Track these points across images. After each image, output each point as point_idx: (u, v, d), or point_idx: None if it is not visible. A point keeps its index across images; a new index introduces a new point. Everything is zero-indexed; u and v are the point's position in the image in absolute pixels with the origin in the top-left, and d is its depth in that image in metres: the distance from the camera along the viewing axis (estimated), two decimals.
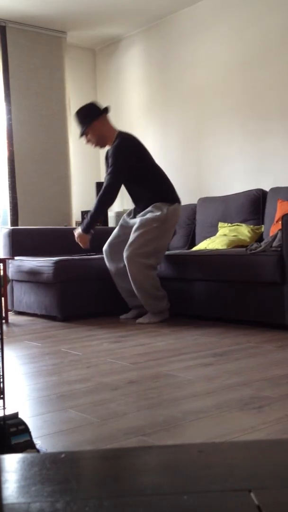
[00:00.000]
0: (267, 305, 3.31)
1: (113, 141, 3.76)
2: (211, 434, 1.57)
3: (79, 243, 3.85)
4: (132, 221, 3.88)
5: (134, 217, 3.90)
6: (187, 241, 4.58)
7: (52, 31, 5.48)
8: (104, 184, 3.70)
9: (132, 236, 3.68)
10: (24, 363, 2.61)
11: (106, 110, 3.77)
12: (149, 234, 3.65)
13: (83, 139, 3.86)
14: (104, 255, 3.97)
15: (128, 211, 4.03)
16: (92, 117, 3.72)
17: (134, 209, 3.95)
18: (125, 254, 3.66)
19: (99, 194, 3.72)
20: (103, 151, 5.97)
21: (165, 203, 3.73)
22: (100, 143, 3.81)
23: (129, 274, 3.69)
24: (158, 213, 3.67)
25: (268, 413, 1.72)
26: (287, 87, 4.26)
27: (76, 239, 3.85)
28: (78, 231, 3.82)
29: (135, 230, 3.68)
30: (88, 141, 3.82)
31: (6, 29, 5.24)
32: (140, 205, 3.85)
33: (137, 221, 3.73)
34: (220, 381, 2.13)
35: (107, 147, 3.85)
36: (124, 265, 3.78)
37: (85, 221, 3.79)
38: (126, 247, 3.67)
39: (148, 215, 3.70)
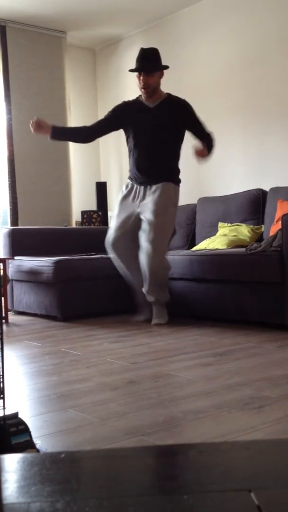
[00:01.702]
0: (267, 305, 3.31)
1: (160, 97, 3.68)
2: (211, 434, 1.57)
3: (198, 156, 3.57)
4: (140, 203, 3.67)
5: (144, 196, 3.66)
6: (187, 241, 4.58)
7: (52, 31, 5.48)
8: (207, 131, 3.66)
9: (153, 226, 3.54)
10: (24, 363, 2.61)
11: (167, 67, 3.75)
12: (168, 222, 3.63)
13: (140, 77, 3.63)
14: (113, 252, 3.76)
15: (124, 193, 3.76)
16: (163, 65, 3.68)
17: (136, 182, 3.70)
18: (151, 245, 3.53)
19: (212, 138, 3.65)
20: (103, 149, 5.97)
21: (175, 184, 3.69)
22: (153, 92, 3.66)
23: (150, 264, 3.55)
24: (171, 195, 3.63)
25: (268, 413, 1.72)
26: (286, 87, 4.26)
27: (197, 154, 3.55)
28: (200, 147, 3.55)
29: (155, 217, 3.55)
30: (148, 81, 3.60)
31: (6, 29, 5.23)
32: (151, 174, 3.64)
33: (150, 205, 3.59)
34: (220, 381, 2.13)
35: (142, 98, 3.72)
36: (135, 259, 3.69)
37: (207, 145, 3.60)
38: (152, 238, 3.53)
39: (162, 199, 3.58)
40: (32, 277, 4.18)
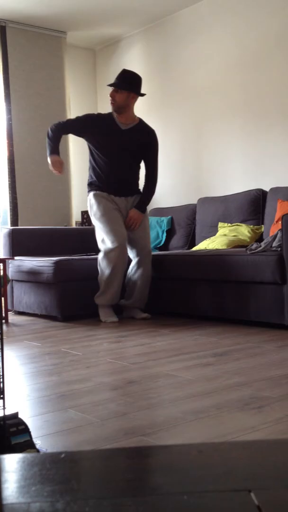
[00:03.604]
0: (267, 305, 3.31)
1: (133, 122, 3.91)
2: (211, 434, 1.57)
3: (135, 223, 3.92)
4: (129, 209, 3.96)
5: (124, 208, 3.94)
6: (187, 241, 4.58)
7: (52, 31, 5.48)
8: (154, 176, 3.98)
9: (144, 235, 3.96)
10: (24, 363, 2.61)
11: (142, 95, 3.92)
12: (148, 235, 4.06)
13: (108, 93, 3.96)
14: (121, 252, 3.80)
15: (103, 200, 3.89)
16: (137, 89, 3.85)
17: (111, 192, 3.90)
18: (144, 253, 3.92)
19: (153, 182, 3.97)
20: None
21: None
22: (119, 109, 3.85)
23: (145, 271, 3.92)
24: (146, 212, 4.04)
25: (268, 413, 1.72)
26: (286, 87, 4.26)
27: (133, 221, 3.91)
28: (136, 212, 3.92)
29: (145, 228, 3.97)
30: (115, 96, 3.82)
31: (6, 29, 5.23)
32: (127, 188, 3.93)
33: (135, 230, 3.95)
34: (220, 381, 2.13)
35: (115, 116, 3.90)
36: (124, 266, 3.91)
37: (144, 204, 3.95)
38: (144, 246, 3.92)
39: (143, 220, 3.99)
40: (32, 277, 4.18)
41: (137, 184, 4.02)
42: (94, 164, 3.94)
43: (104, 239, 3.82)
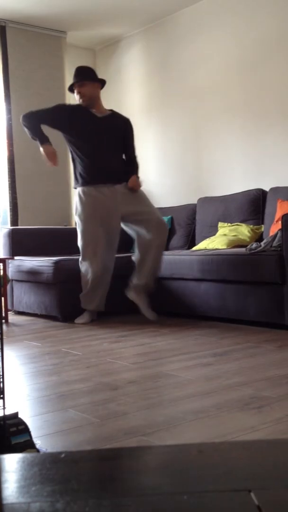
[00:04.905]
0: (267, 305, 3.31)
1: (106, 112, 3.91)
2: (211, 434, 1.57)
3: (137, 187, 3.86)
4: (118, 202, 3.79)
5: (119, 194, 3.81)
6: (187, 241, 4.58)
7: (52, 31, 5.48)
8: (134, 155, 3.98)
9: (149, 204, 3.87)
10: (24, 363, 2.61)
11: (102, 81, 3.94)
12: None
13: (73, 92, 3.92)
14: (101, 264, 3.79)
15: (92, 201, 3.78)
16: (96, 78, 3.90)
17: (103, 182, 3.79)
18: (158, 220, 3.77)
19: (135, 159, 3.97)
20: None
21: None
22: (90, 101, 3.86)
23: (161, 243, 3.77)
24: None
25: (268, 413, 1.72)
26: (286, 87, 4.26)
27: (135, 188, 3.84)
28: (133, 179, 3.84)
29: (146, 200, 3.88)
30: (81, 92, 3.84)
31: (6, 29, 5.23)
32: (115, 174, 3.83)
33: (139, 200, 3.83)
34: (220, 381, 2.13)
35: (88, 109, 3.88)
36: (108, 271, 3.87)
37: (134, 170, 3.92)
38: (155, 212, 3.82)
39: (141, 191, 3.90)
40: (32, 277, 4.18)
41: (123, 172, 3.88)
42: (79, 156, 3.85)
43: (82, 247, 3.81)
